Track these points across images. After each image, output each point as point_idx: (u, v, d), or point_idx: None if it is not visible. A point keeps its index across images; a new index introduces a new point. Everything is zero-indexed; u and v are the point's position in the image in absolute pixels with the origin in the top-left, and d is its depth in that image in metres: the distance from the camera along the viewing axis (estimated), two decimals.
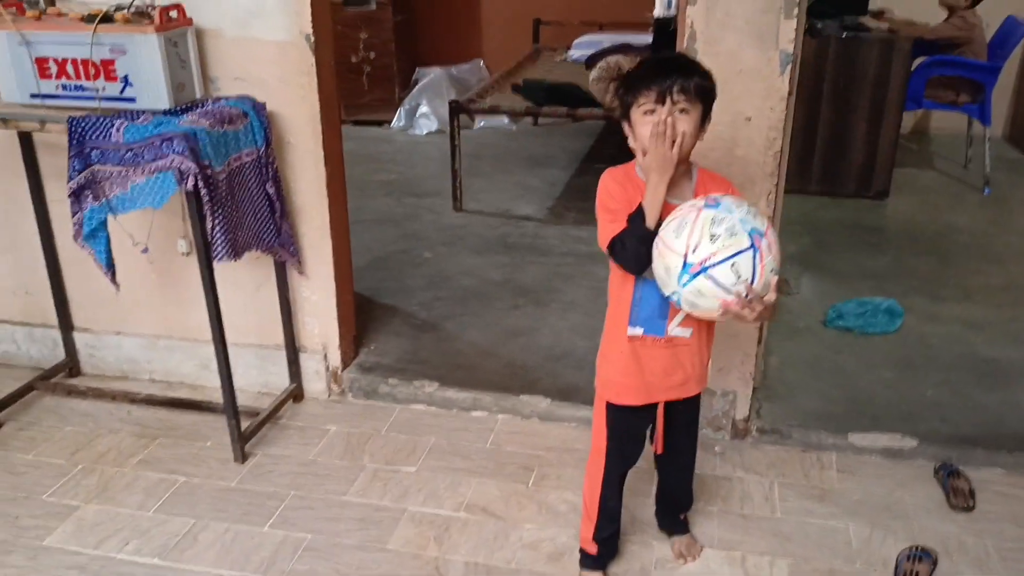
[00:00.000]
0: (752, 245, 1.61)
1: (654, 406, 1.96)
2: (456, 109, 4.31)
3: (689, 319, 1.81)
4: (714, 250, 1.60)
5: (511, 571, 2.11)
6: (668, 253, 1.65)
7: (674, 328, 1.84)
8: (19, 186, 2.76)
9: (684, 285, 1.64)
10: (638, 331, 1.85)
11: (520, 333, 3.15)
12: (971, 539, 2.20)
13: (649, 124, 1.70)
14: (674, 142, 1.68)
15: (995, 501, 2.33)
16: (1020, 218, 4.42)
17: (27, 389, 2.82)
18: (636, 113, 1.75)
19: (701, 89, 1.71)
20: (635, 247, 1.73)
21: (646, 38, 5.56)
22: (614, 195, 1.80)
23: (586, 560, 2.10)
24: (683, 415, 2.00)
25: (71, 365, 2.99)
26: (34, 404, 2.82)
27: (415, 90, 6.17)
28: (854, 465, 2.50)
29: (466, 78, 6.33)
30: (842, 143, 4.46)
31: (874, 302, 3.23)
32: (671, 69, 1.71)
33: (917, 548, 2.13)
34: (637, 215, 1.74)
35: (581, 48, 5.77)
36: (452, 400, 2.78)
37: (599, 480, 2.01)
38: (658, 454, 2.06)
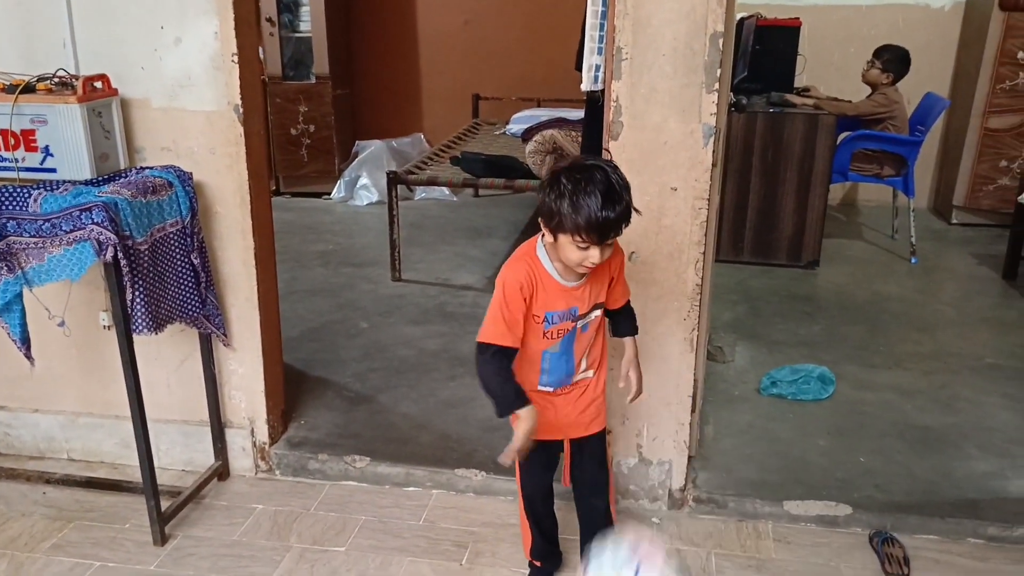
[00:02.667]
0: None
1: (560, 442, 2.10)
2: (394, 180, 4.31)
3: (590, 363, 2.02)
4: None
5: None
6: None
7: (579, 375, 2.04)
8: None
9: None
10: (548, 388, 2.03)
11: (456, 404, 3.10)
12: None
13: (576, 251, 1.77)
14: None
15: (930, 568, 2.33)
16: (947, 287, 4.55)
17: None
18: (567, 237, 1.76)
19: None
20: (492, 381, 1.88)
21: (580, 112, 5.69)
22: (510, 304, 1.87)
23: (533, 572, 2.27)
24: (591, 449, 2.12)
25: None
26: None
27: (355, 162, 6.18)
28: (790, 534, 2.48)
29: (406, 151, 6.37)
30: (773, 214, 4.57)
31: (807, 369, 3.26)
32: (614, 224, 1.73)
33: (884, 531, 2.13)
34: (507, 395, 1.87)
35: (519, 122, 5.85)
36: (384, 476, 2.71)
37: (520, 504, 2.21)
38: (566, 486, 2.17)
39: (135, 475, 2.67)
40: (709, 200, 2.28)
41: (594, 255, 1.76)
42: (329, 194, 6.10)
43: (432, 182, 4.63)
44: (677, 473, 2.56)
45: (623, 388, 2.11)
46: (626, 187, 1.75)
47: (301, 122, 5.97)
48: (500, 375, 1.86)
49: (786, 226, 4.58)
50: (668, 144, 2.24)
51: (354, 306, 4.06)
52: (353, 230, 5.41)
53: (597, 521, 2.16)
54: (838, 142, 4.61)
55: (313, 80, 5.94)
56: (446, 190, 6.07)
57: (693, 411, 2.54)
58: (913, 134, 4.80)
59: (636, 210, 1.79)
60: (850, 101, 4.83)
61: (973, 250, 5.04)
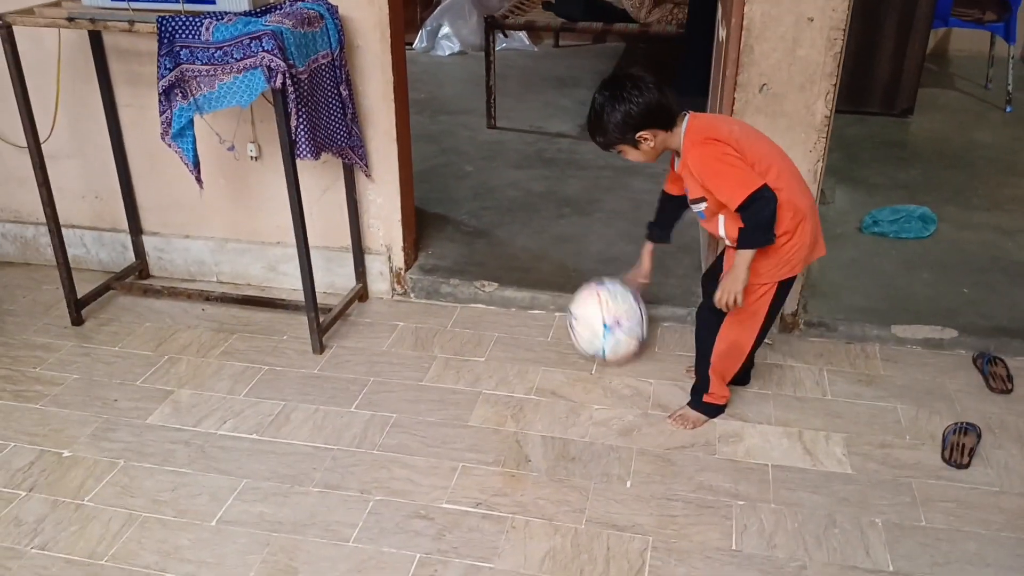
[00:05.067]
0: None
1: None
2: (491, 24, 4.35)
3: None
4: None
5: (585, 444, 2.27)
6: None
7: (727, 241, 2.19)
8: (89, 92, 2.84)
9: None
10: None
11: (569, 240, 3.27)
12: (1011, 418, 2.37)
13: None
14: None
15: None
16: None
17: (104, 289, 2.95)
18: None
19: (605, 144, 2.13)
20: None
21: None
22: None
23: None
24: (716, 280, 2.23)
25: (140, 268, 3.11)
26: (111, 303, 2.95)
27: (436, 11, 6.17)
28: (897, 355, 2.65)
29: None
30: (869, 60, 4.52)
31: (908, 209, 3.35)
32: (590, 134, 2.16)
33: (962, 423, 2.29)
34: (659, 210, 2.45)
35: None
36: (511, 299, 2.92)
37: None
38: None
39: (282, 295, 2.94)
40: (844, 31, 2.34)
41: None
42: (411, 44, 6.12)
43: (530, 26, 4.65)
44: (789, 299, 2.72)
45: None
46: (604, 110, 2.07)
47: None
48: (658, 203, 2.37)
49: (882, 72, 4.54)
50: None
51: (456, 151, 4.20)
52: (441, 79, 5.47)
53: (697, 348, 2.36)
54: None
55: None
56: (526, 40, 6.05)
57: None
58: None
59: (606, 130, 2.09)
60: None
61: None
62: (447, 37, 6.04)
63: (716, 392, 2.33)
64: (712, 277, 2.32)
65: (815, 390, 2.48)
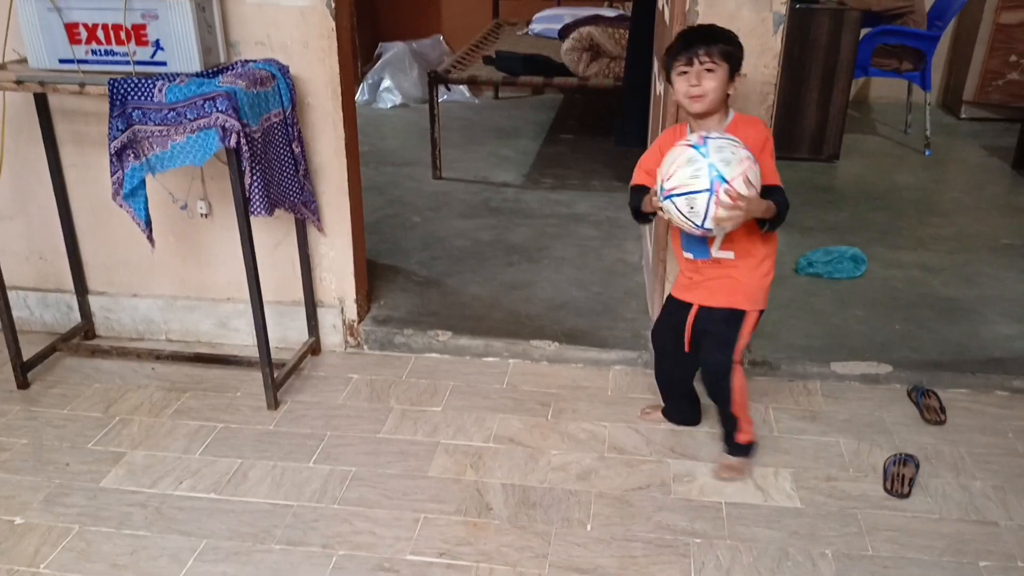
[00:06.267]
0: (711, 189, 1.93)
1: (689, 305, 2.31)
2: (435, 79, 4.45)
3: (728, 244, 2.14)
4: (678, 183, 1.97)
5: (545, 489, 2.31)
6: (658, 174, 2.05)
7: (717, 252, 2.17)
8: (33, 153, 2.83)
9: (661, 201, 2.03)
10: (689, 255, 2.25)
11: (519, 287, 3.34)
12: (946, 447, 2.49)
13: (683, 81, 2.07)
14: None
15: (963, 415, 2.63)
16: (960, 176, 4.79)
17: (50, 351, 2.90)
18: (674, 74, 2.10)
19: (724, 52, 2.07)
20: (631, 200, 2.27)
21: (608, 11, 5.79)
22: (649, 154, 2.22)
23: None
24: (712, 322, 2.27)
25: (87, 328, 3.07)
26: (57, 365, 2.91)
27: (378, 65, 6.27)
28: (837, 390, 2.77)
29: (427, 52, 6.46)
30: (798, 109, 4.75)
31: (840, 250, 3.51)
32: (697, 38, 2.08)
33: (901, 454, 2.40)
34: (639, 192, 2.23)
35: (542, 22, 5.95)
36: (465, 347, 2.96)
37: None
38: (685, 352, 2.39)
39: (235, 351, 2.93)
40: (775, 86, 2.48)
41: (690, 78, 2.05)
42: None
43: (472, 81, 4.77)
44: None
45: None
46: (722, 29, 2.09)
47: None
48: (634, 199, 2.26)
49: (809, 121, 4.77)
50: (740, 32, 2.38)
51: (403, 202, 4.25)
52: (384, 131, 5.54)
53: (715, 400, 2.39)
54: (860, 38, 4.75)
55: None
56: (467, 92, 6.18)
57: None
58: (931, 29, 4.95)
59: (732, 38, 2.09)
60: None
61: (983, 142, 5.27)
62: (388, 90, 6.14)
63: (747, 428, 2.37)
64: (667, 328, 2.40)
65: (762, 427, 2.57)
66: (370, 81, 6.21)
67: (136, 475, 2.36)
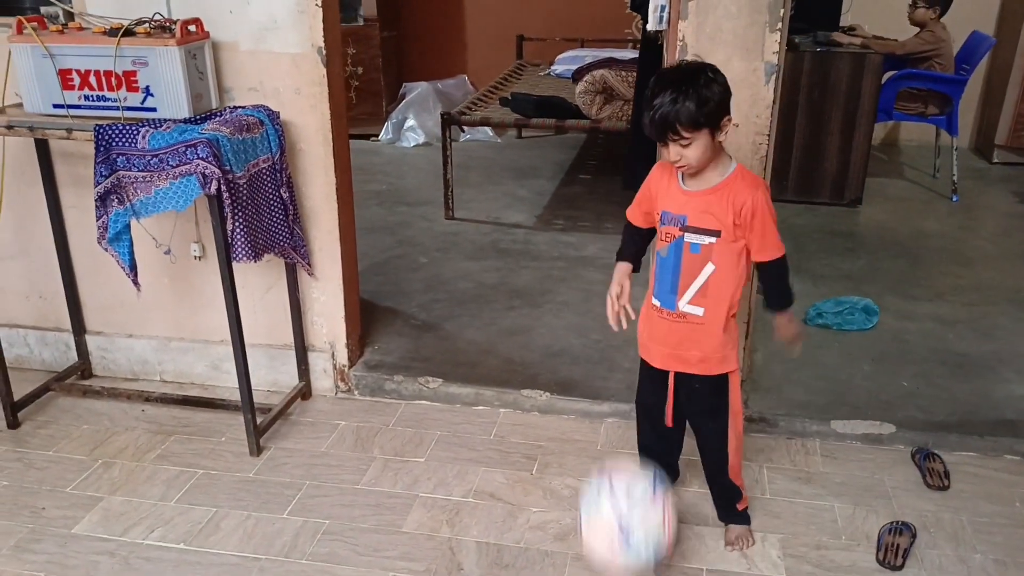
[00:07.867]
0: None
1: (666, 373, 2.16)
2: (448, 120, 4.45)
3: (700, 299, 2.02)
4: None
5: (520, 549, 2.24)
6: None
7: (684, 305, 2.04)
8: (34, 194, 2.86)
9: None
10: (657, 302, 2.10)
11: (517, 332, 3.29)
12: (947, 515, 2.36)
13: (667, 151, 1.96)
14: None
15: (968, 481, 2.50)
16: (987, 223, 4.65)
17: (43, 390, 2.92)
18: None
19: (693, 123, 1.88)
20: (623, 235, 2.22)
21: (627, 53, 5.77)
22: (641, 191, 2.15)
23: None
24: (696, 393, 2.15)
25: (83, 367, 3.08)
26: (50, 404, 2.92)
27: (402, 104, 6.31)
28: (837, 450, 2.66)
29: (451, 92, 6.48)
30: (817, 153, 4.66)
31: (851, 301, 3.40)
32: (663, 121, 1.88)
33: (898, 523, 2.28)
34: (629, 241, 2.20)
35: (564, 63, 5.94)
36: (455, 395, 2.91)
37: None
38: (668, 427, 2.23)
39: (224, 394, 2.92)
40: (769, 136, 2.41)
41: (671, 151, 1.92)
42: (377, 136, 6.24)
43: (485, 123, 4.76)
44: None
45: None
46: (689, 84, 1.86)
47: (350, 64, 6.09)
48: (624, 235, 2.20)
49: (830, 165, 4.67)
50: (731, 82, 2.33)
51: (412, 243, 4.24)
52: (403, 171, 5.56)
53: (711, 477, 2.29)
54: (883, 81, 4.66)
55: (361, 22, 6.05)
56: (490, 131, 6.18)
57: (746, 338, 2.70)
58: (958, 73, 4.84)
59: (704, 101, 1.87)
60: (896, 40, 4.86)
61: (1014, 188, 5.12)
62: (412, 129, 6.18)
63: (744, 494, 2.28)
64: (649, 393, 2.27)
65: (754, 488, 2.47)
66: (394, 120, 6.25)
67: (109, 522, 2.34)
